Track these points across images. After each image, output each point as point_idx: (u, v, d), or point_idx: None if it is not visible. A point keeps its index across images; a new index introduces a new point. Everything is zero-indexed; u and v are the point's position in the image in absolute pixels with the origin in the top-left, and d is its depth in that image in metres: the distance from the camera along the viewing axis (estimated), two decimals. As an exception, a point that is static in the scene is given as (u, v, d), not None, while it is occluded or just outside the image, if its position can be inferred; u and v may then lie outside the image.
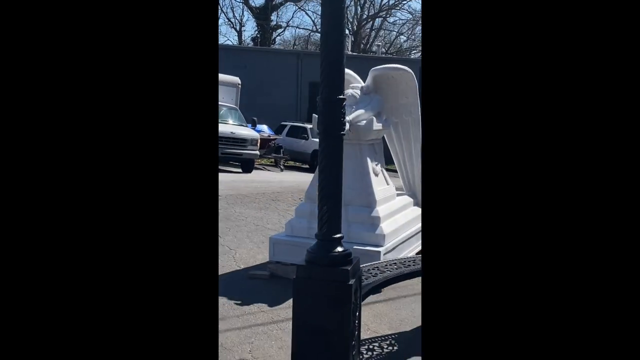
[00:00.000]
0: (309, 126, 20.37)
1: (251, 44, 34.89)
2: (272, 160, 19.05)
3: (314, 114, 5.72)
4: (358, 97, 5.50)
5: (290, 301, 4.85)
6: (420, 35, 42.59)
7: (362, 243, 5.18)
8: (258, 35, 35.07)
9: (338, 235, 3.16)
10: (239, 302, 4.61)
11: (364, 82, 5.76)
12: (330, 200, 3.15)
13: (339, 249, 3.14)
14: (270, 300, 4.70)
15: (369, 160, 5.41)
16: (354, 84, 5.73)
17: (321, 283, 3.08)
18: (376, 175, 5.45)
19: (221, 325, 4.09)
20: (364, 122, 5.31)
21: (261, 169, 17.46)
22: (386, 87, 5.73)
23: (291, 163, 19.69)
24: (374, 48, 39.34)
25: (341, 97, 3.15)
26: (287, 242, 5.39)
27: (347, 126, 5.26)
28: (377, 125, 5.39)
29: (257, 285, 5.10)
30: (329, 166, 3.15)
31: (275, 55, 27.32)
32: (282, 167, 18.14)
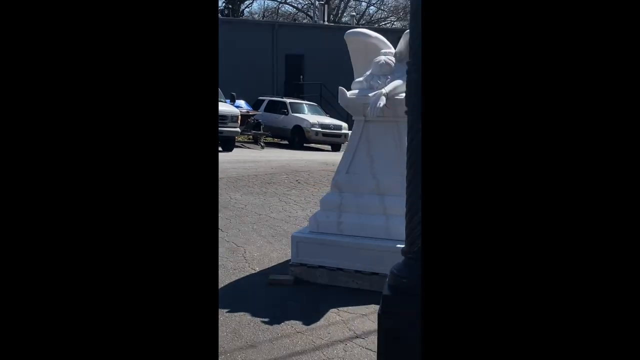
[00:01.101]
0: (288, 100, 19.43)
1: (219, 16, 33.43)
2: (251, 137, 18.06)
3: (340, 87, 4.83)
4: (393, 65, 4.61)
5: (328, 316, 4.02)
6: (389, 5, 41.98)
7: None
8: (227, 7, 33.61)
9: (435, 252, 2.30)
10: (266, 319, 3.75)
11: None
12: (426, 205, 2.28)
13: (438, 269, 2.29)
14: (302, 315, 3.85)
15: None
16: (385, 49, 4.83)
17: (417, 318, 2.23)
18: (415, 158, 4.59)
19: (253, 356, 3.24)
20: (404, 94, 4.43)
21: (240, 147, 16.45)
22: (421, 53, 4.85)
23: (269, 139, 18.75)
24: (345, 19, 38.42)
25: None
26: (313, 241, 4.52)
27: (384, 100, 4.41)
28: (418, 99, 4.52)
29: (281, 294, 4.23)
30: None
31: (249, 26, 25.99)
32: (262, 144, 17.18)
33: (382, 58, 4.61)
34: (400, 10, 41.03)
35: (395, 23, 39.96)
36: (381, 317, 2.31)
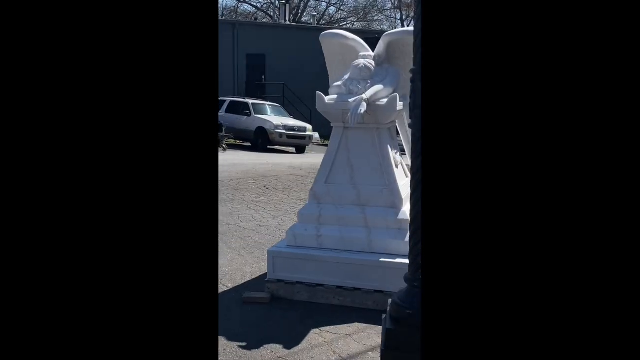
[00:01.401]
0: (250, 101, 19.08)
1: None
2: (213, 139, 17.64)
3: (317, 92, 4.56)
4: (373, 69, 4.38)
5: (310, 337, 3.75)
6: (350, 6, 41.96)
7: (389, 254, 4.13)
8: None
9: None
10: (243, 344, 3.48)
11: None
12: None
13: (446, 299, 2.07)
14: (282, 337, 3.59)
15: (389, 148, 4.33)
16: (363, 52, 4.60)
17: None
18: (396, 166, 4.39)
19: (234, 388, 2.97)
20: (385, 100, 4.22)
21: (202, 150, 16.04)
22: (401, 55, 4.62)
23: (232, 141, 18.36)
24: (305, 19, 38.22)
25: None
26: (290, 255, 4.26)
27: (365, 106, 4.17)
28: (399, 105, 4.31)
29: (257, 314, 3.96)
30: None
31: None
32: (224, 146, 16.80)
33: (362, 61, 4.37)
34: (360, 11, 41.09)
35: (355, 24, 39.93)
36: (384, 353, 2.07)
